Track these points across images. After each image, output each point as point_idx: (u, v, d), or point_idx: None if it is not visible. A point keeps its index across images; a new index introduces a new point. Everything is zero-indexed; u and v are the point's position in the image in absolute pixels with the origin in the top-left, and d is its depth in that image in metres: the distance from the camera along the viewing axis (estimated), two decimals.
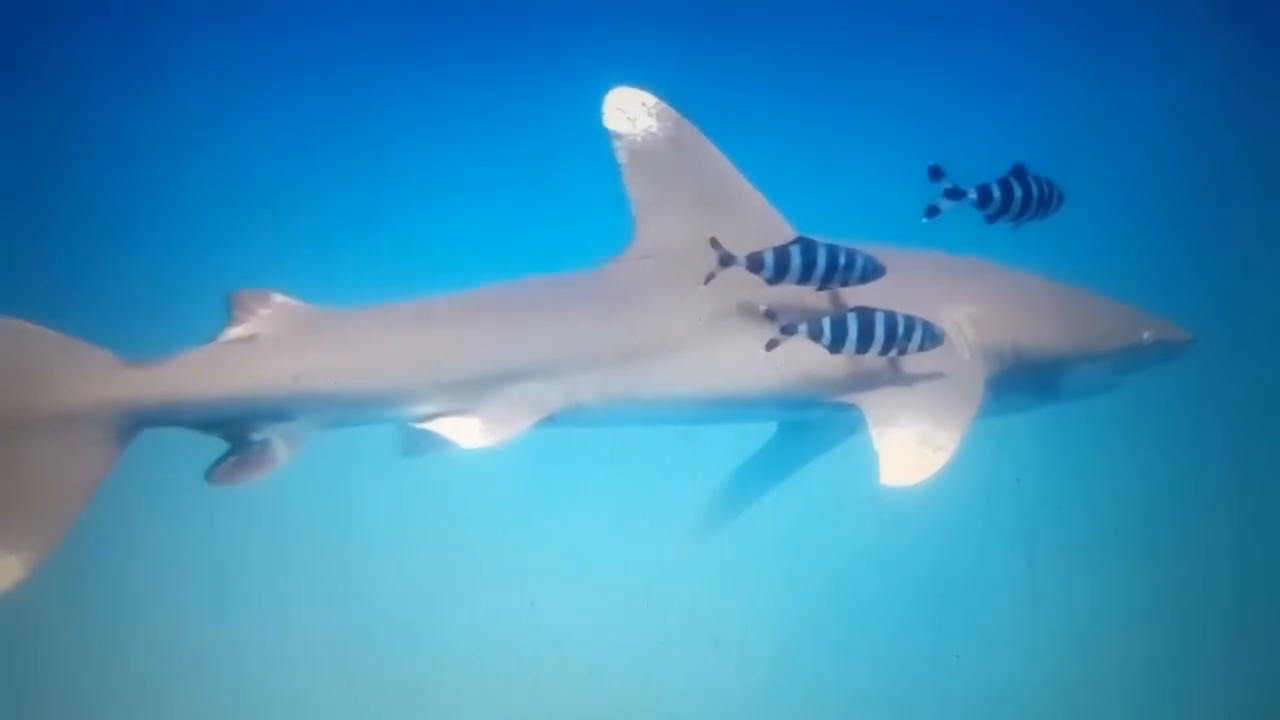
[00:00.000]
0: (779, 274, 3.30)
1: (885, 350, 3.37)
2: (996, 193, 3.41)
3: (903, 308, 3.37)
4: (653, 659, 6.81)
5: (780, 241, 3.36)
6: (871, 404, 3.48)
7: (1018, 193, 3.41)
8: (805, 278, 3.32)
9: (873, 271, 3.38)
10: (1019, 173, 3.45)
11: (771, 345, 3.29)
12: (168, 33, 10.51)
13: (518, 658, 6.79)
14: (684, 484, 7.24)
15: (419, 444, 3.50)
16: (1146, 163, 10.13)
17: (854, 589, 7.18)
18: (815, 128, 10.46)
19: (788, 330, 3.28)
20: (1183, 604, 7.23)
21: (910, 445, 3.36)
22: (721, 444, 4.66)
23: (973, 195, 3.40)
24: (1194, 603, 7.22)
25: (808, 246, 3.31)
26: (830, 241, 3.36)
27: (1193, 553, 7.48)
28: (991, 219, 3.45)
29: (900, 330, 3.33)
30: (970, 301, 3.69)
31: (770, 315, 3.29)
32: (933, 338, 3.39)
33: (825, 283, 3.36)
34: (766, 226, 3.69)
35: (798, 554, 7.31)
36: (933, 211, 3.39)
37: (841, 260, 3.32)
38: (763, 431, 4.57)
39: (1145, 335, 3.84)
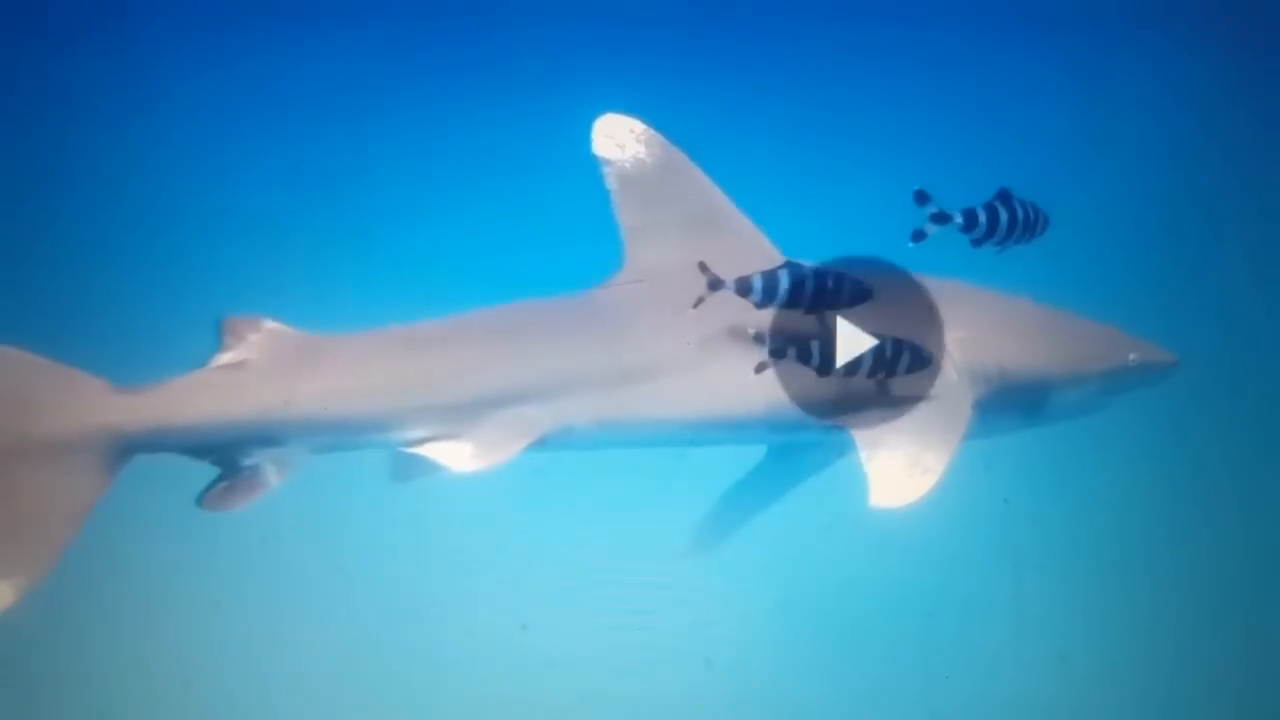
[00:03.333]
0: (767, 298, 3.33)
1: (874, 373, 3.40)
2: (982, 217, 3.46)
3: (889, 332, 3.40)
4: (645, 680, 6.81)
5: (768, 266, 3.39)
6: (860, 426, 3.52)
7: (1003, 217, 3.46)
8: (793, 302, 3.34)
9: (860, 295, 3.40)
10: (1004, 197, 3.50)
11: (760, 368, 3.33)
12: (160, 53, 10.52)
13: (510, 681, 6.79)
14: (675, 505, 7.27)
15: (409, 469, 3.55)
16: (1136, 180, 10.21)
17: (844, 609, 7.19)
18: (801, 151, 10.50)
19: (776, 353, 3.31)
20: (1169, 625, 7.26)
21: (899, 467, 3.40)
22: (712, 466, 4.67)
23: (958, 220, 3.45)
24: (1180, 623, 7.25)
25: (795, 270, 3.34)
26: (818, 265, 3.40)
27: (1180, 573, 7.51)
28: (978, 243, 3.51)
29: (889, 353, 3.37)
30: (957, 325, 3.71)
31: (759, 339, 3.35)
32: (921, 361, 3.44)
33: (813, 306, 3.38)
34: (754, 250, 3.73)
35: (789, 575, 7.33)
36: (919, 236, 3.46)
37: (829, 284, 3.34)
38: (752, 454, 4.60)
39: (1131, 357, 3.88)
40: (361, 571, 7.33)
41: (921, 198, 3.42)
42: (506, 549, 7.45)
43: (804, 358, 3.34)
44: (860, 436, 3.49)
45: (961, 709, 6.77)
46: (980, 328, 3.74)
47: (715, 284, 3.26)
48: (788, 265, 3.35)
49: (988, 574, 7.30)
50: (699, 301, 3.26)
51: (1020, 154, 9.55)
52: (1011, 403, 3.79)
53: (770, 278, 3.30)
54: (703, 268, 3.25)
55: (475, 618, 7.12)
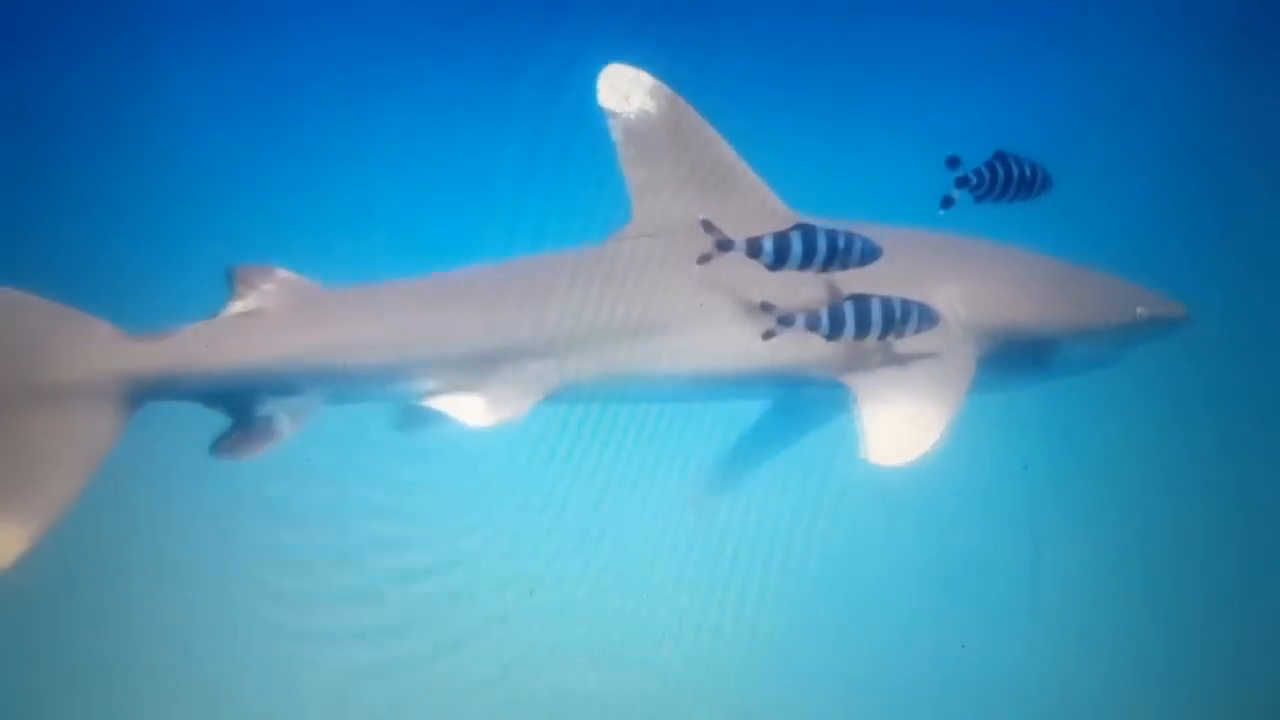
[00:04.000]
0: (779, 260, 3.26)
1: (883, 335, 3.35)
2: (986, 174, 3.55)
3: (895, 287, 3.39)
4: (653, 648, 6.78)
5: (776, 221, 3.37)
6: (862, 382, 3.48)
7: (1001, 174, 3.55)
8: (805, 263, 3.30)
9: (871, 254, 3.34)
10: (1001, 157, 3.58)
11: (768, 336, 3.26)
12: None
13: (516, 647, 6.75)
14: (685, 471, 7.25)
15: (422, 421, 3.59)
16: (1153, 145, 10.04)
17: (857, 577, 7.10)
18: (811, 111, 10.39)
19: (784, 321, 3.26)
20: (1188, 593, 7.16)
21: (899, 424, 3.38)
22: (717, 427, 4.56)
23: (971, 179, 3.54)
24: (1200, 592, 7.16)
25: (808, 232, 3.27)
26: (829, 225, 3.32)
27: (1200, 542, 7.41)
28: (980, 199, 3.58)
29: (897, 315, 3.33)
30: (962, 279, 3.70)
31: (767, 307, 3.26)
32: (928, 319, 3.40)
33: (825, 267, 3.32)
34: (761, 205, 3.74)
35: (800, 542, 7.22)
36: (948, 202, 3.51)
37: (841, 244, 3.28)
38: (758, 406, 4.51)
39: (1139, 310, 3.84)
40: (367, 531, 7.23)
41: (953, 163, 3.48)
42: (512, 514, 7.37)
43: (813, 325, 3.29)
44: (862, 392, 3.45)
45: (978, 679, 6.68)
46: (986, 282, 3.73)
47: (724, 245, 3.19)
48: (800, 227, 3.28)
49: (1006, 541, 7.21)
50: (705, 258, 3.18)
51: (1033, 114, 9.47)
52: (1018, 357, 3.77)
53: (782, 239, 3.23)
54: (707, 226, 3.17)
55: (481, 582, 7.04)
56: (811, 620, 6.94)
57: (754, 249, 3.21)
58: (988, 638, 6.79)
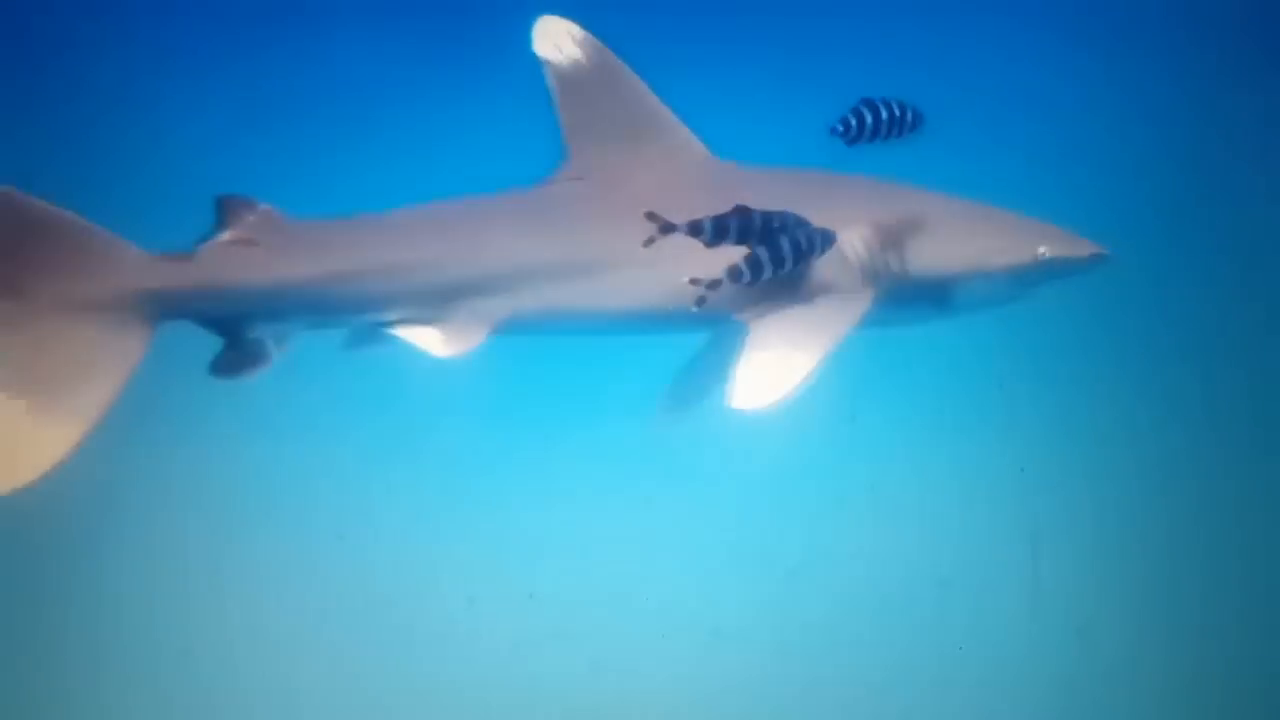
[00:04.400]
0: (717, 238, 3.43)
1: (795, 264, 3.49)
2: (853, 120, 3.89)
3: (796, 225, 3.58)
4: (652, 651, 6.76)
5: (698, 165, 3.91)
6: (757, 323, 3.68)
7: (868, 118, 3.88)
8: (741, 239, 3.47)
9: (816, 243, 3.53)
10: (867, 102, 3.91)
11: (700, 303, 3.38)
12: None
13: (515, 650, 6.74)
14: (686, 477, 7.26)
15: (386, 345, 3.80)
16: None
17: (855, 580, 7.09)
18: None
19: (713, 286, 3.37)
20: (1187, 595, 7.15)
21: (766, 368, 3.51)
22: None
23: (839, 128, 3.90)
24: (1199, 594, 7.15)
25: (743, 214, 3.46)
26: (764, 210, 3.49)
27: (1198, 545, 7.41)
28: (852, 143, 3.91)
29: (803, 245, 3.48)
30: (862, 219, 3.85)
31: (695, 281, 3.37)
32: (827, 240, 3.56)
33: (761, 243, 3.50)
34: (684, 148, 4.03)
35: (798, 545, 7.27)
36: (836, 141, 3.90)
37: (775, 223, 3.47)
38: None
39: (1041, 250, 3.89)
40: (365, 537, 7.30)
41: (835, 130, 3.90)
42: (512, 517, 7.42)
43: (736, 278, 3.42)
44: (751, 332, 3.65)
45: (976, 682, 6.67)
46: (885, 222, 3.86)
47: (667, 228, 3.34)
48: (736, 209, 3.46)
49: (1003, 544, 7.22)
50: (649, 242, 3.33)
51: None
52: (919, 294, 3.91)
53: (720, 221, 3.43)
54: (652, 216, 3.30)
55: (481, 585, 7.08)
56: (809, 624, 6.93)
57: (694, 229, 3.39)
58: (985, 641, 6.79)
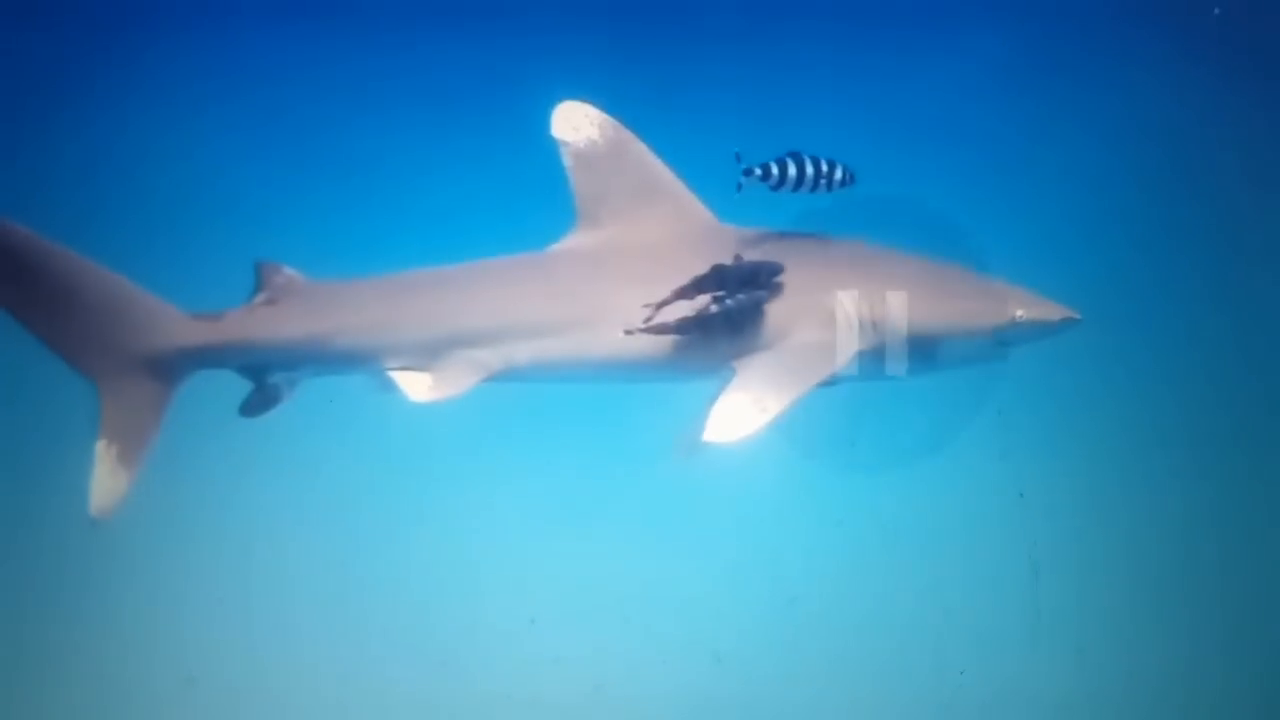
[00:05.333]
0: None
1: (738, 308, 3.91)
2: (775, 169, 4.10)
3: (790, 288, 3.97)
4: (653, 675, 6.79)
5: (705, 231, 4.23)
6: (745, 368, 3.94)
7: (792, 170, 4.10)
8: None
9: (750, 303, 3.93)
10: (793, 154, 4.12)
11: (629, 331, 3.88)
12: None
13: (517, 675, 6.75)
14: (688, 503, 7.26)
15: (384, 387, 4.14)
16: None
17: (856, 603, 7.13)
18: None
19: (681, 330, 3.88)
20: (1185, 616, 7.20)
21: (741, 406, 3.77)
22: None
23: (758, 172, 4.09)
24: (1197, 615, 7.20)
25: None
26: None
27: (1196, 566, 7.45)
28: (775, 189, 4.12)
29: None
30: (851, 282, 4.05)
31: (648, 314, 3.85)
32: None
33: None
34: (692, 215, 4.30)
35: (799, 568, 7.28)
36: (739, 187, 4.09)
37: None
38: None
39: (1018, 314, 4.09)
40: (367, 565, 7.32)
41: (738, 158, 4.09)
42: (513, 543, 7.42)
43: (707, 329, 3.87)
44: (736, 376, 3.90)
45: (977, 705, 6.70)
46: (874, 284, 4.05)
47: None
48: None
49: (1003, 568, 7.22)
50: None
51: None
52: (902, 352, 4.08)
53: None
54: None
55: (483, 611, 7.11)
56: (811, 646, 6.94)
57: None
58: (986, 662, 6.81)
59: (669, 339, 3.91)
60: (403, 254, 4.38)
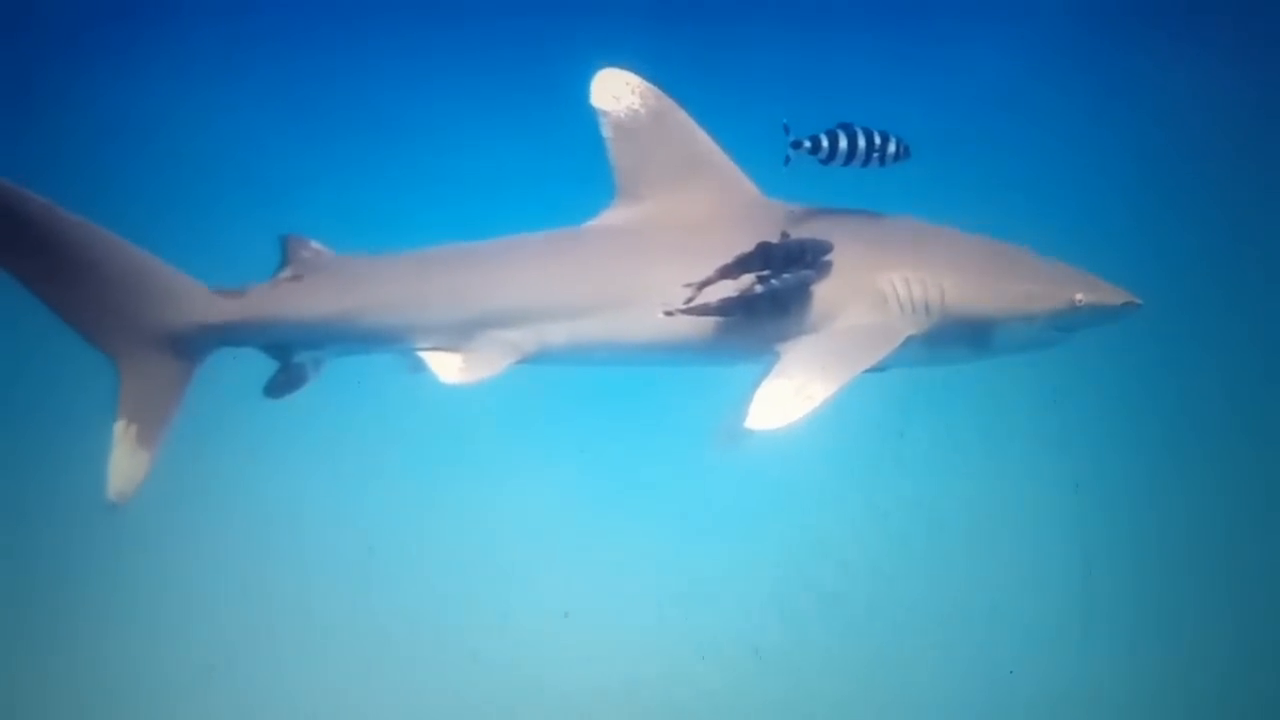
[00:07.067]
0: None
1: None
2: (825, 140, 3.94)
3: (843, 269, 3.82)
4: (693, 670, 6.68)
5: (749, 205, 4.07)
6: (787, 350, 3.81)
7: (843, 142, 3.93)
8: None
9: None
10: (844, 126, 3.95)
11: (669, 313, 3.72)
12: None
13: (552, 669, 6.65)
14: (727, 494, 7.16)
15: (415, 367, 4.02)
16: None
17: (901, 598, 7.00)
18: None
19: (723, 311, 3.74)
20: (1244, 616, 7.05)
21: (784, 392, 3.64)
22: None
23: (807, 144, 3.93)
24: (1256, 615, 7.05)
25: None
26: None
27: (1255, 563, 7.31)
28: (825, 163, 3.95)
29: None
30: (903, 261, 3.93)
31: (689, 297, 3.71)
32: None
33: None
34: (736, 190, 4.15)
35: (843, 562, 7.18)
36: (787, 160, 3.91)
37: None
38: None
39: (1077, 298, 3.96)
40: (393, 555, 7.25)
41: (787, 130, 3.92)
42: (550, 536, 7.34)
43: (751, 310, 3.72)
44: (780, 361, 3.77)
45: (1024, 705, 6.54)
46: (928, 264, 3.94)
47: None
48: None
49: (1056, 563, 7.10)
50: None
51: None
52: (956, 336, 3.98)
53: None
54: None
55: (515, 605, 7.01)
56: (853, 643, 6.82)
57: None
58: (1037, 660, 6.68)
59: (711, 321, 3.77)
60: (434, 228, 4.32)
